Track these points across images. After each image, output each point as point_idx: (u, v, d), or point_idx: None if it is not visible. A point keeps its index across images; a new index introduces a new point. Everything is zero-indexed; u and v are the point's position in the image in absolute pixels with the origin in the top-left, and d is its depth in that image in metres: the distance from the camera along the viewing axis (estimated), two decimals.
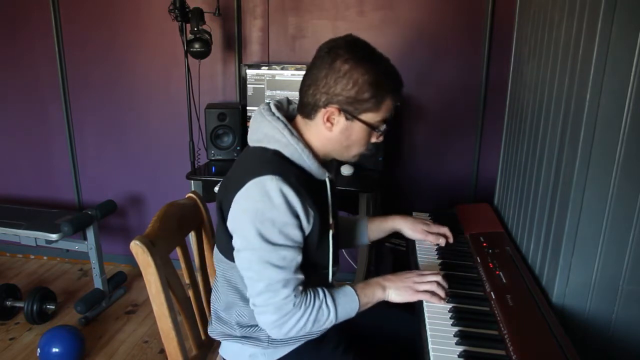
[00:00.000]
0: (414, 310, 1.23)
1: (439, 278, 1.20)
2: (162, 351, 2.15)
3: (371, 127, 1.09)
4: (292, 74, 2.30)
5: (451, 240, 1.45)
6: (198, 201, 1.41)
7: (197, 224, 1.40)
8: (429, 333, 1.08)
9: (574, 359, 0.98)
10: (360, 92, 1.04)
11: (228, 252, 1.12)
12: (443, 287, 1.19)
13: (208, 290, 1.43)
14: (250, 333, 1.17)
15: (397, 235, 1.48)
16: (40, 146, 2.86)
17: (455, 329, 1.09)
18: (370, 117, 1.08)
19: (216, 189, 2.07)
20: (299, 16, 2.43)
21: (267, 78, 2.33)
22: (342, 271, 1.19)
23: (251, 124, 1.16)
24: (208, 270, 1.45)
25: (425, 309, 1.17)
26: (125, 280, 2.67)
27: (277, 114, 1.11)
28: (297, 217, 1.03)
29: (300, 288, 1.06)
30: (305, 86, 1.09)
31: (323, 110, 1.07)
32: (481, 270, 1.35)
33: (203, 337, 1.35)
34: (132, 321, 2.40)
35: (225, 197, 1.08)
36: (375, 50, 1.08)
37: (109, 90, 2.69)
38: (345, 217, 1.45)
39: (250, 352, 1.19)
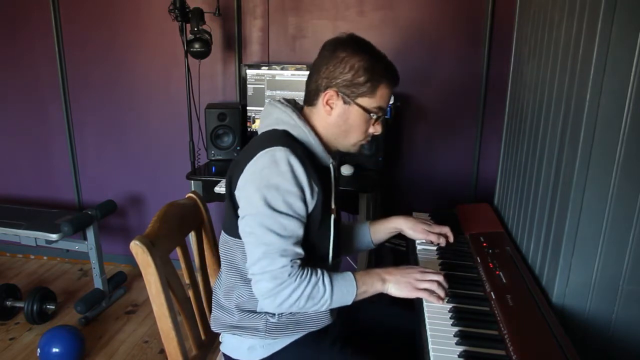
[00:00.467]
0: (413, 307, 1.23)
1: (440, 278, 1.20)
2: (162, 351, 2.15)
3: (367, 112, 1.16)
4: (292, 74, 2.30)
5: (452, 240, 1.45)
6: (198, 201, 1.41)
7: (197, 224, 1.40)
8: (429, 333, 1.08)
9: (574, 359, 0.97)
10: (357, 76, 1.13)
11: (232, 228, 1.15)
12: (443, 288, 1.19)
13: (208, 290, 1.43)
14: (248, 320, 1.17)
15: (397, 235, 1.48)
16: (40, 146, 2.86)
17: (455, 329, 1.09)
18: (366, 101, 1.15)
19: (216, 189, 2.07)
20: (299, 16, 2.43)
21: (267, 78, 2.33)
22: (342, 271, 1.19)
23: (262, 114, 1.24)
24: (208, 270, 1.45)
25: (425, 308, 1.17)
26: (125, 280, 2.67)
27: (286, 103, 1.21)
28: (301, 189, 1.08)
29: (298, 262, 1.08)
30: (309, 76, 1.20)
31: (323, 94, 1.16)
32: (481, 270, 1.35)
33: (203, 337, 1.35)
34: (132, 321, 2.40)
35: (235, 172, 1.14)
36: (374, 47, 1.17)
37: (109, 90, 2.69)
38: (346, 223, 1.46)
39: (248, 345, 1.20)
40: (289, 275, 1.06)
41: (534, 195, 1.42)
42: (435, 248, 1.49)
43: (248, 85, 2.34)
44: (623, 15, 0.99)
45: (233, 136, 2.36)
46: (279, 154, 1.07)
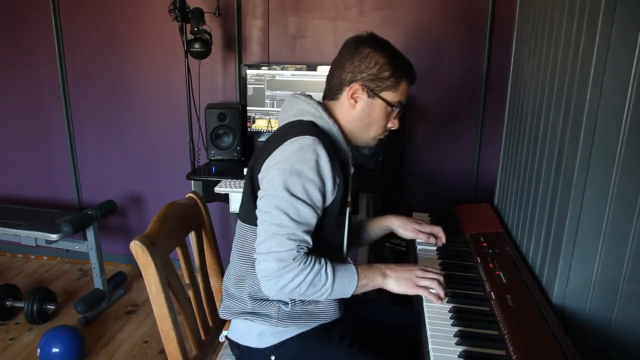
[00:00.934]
0: (413, 306, 1.23)
1: (440, 277, 1.20)
2: (162, 351, 2.15)
3: (390, 105, 1.21)
4: (292, 74, 2.30)
5: (443, 241, 1.46)
6: (198, 201, 1.41)
7: (197, 224, 1.40)
8: (429, 333, 1.08)
9: (574, 359, 0.97)
10: (382, 71, 1.18)
11: (249, 215, 1.18)
12: (443, 288, 1.19)
13: (208, 290, 1.43)
14: (260, 308, 1.19)
15: (395, 235, 1.48)
16: (40, 146, 2.86)
17: (455, 329, 1.09)
18: (389, 95, 1.20)
19: (216, 189, 2.07)
20: (299, 16, 2.43)
21: (267, 78, 2.33)
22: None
23: (284, 105, 1.26)
24: (208, 270, 1.45)
25: (425, 308, 1.17)
26: (125, 280, 2.67)
27: (309, 96, 1.24)
28: (322, 180, 1.10)
29: (305, 250, 1.09)
30: (331, 72, 1.24)
31: (347, 88, 1.20)
32: (481, 270, 1.35)
33: (203, 337, 1.35)
34: (132, 321, 2.40)
35: (260, 158, 1.15)
36: (393, 45, 1.23)
37: (109, 90, 2.69)
38: None
39: (259, 331, 1.21)
40: (294, 259, 1.07)
41: (534, 195, 1.42)
42: (435, 248, 1.49)
43: (248, 85, 2.34)
44: (623, 15, 0.99)
45: (233, 136, 2.36)
46: (307, 142, 1.09)
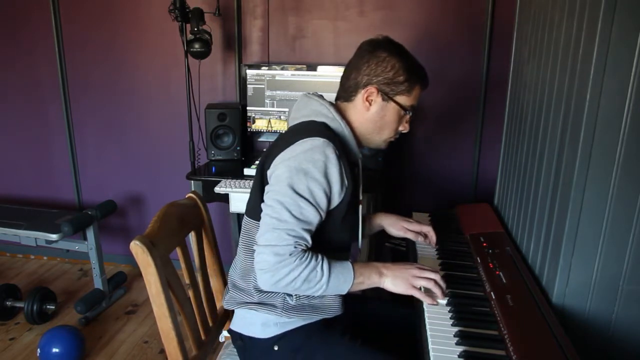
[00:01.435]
0: (413, 305, 1.23)
1: (437, 277, 1.20)
2: (162, 351, 2.15)
3: (404, 109, 1.24)
4: (292, 74, 2.30)
5: (433, 240, 1.47)
6: (198, 201, 1.41)
7: (197, 224, 1.40)
8: (429, 333, 1.08)
9: (574, 359, 0.97)
10: (397, 75, 1.20)
11: (255, 211, 1.19)
12: (440, 287, 1.20)
13: (208, 290, 1.43)
14: (266, 298, 1.20)
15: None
16: (40, 146, 2.86)
17: (455, 329, 1.09)
18: (403, 99, 1.23)
19: (216, 189, 2.07)
20: (299, 16, 2.43)
21: (267, 78, 2.33)
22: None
23: (297, 105, 1.28)
24: (208, 270, 1.45)
25: (425, 308, 1.17)
26: (125, 280, 2.67)
27: (322, 97, 1.26)
28: (328, 182, 1.12)
29: (302, 247, 1.10)
30: (346, 73, 1.25)
31: (363, 91, 1.22)
32: (481, 270, 1.35)
33: (203, 337, 1.35)
34: (132, 321, 2.40)
35: (271, 155, 1.17)
36: (407, 50, 1.26)
37: (109, 90, 2.69)
38: None
39: (263, 320, 1.22)
40: (290, 254, 1.08)
41: (534, 195, 1.42)
42: (435, 248, 1.49)
43: (248, 85, 2.34)
44: (623, 15, 0.99)
45: (233, 136, 2.36)
46: (318, 143, 1.11)
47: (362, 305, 1.39)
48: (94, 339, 2.25)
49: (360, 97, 1.22)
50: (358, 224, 1.29)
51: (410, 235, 1.46)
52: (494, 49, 2.30)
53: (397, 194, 2.57)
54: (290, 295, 1.20)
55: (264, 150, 1.26)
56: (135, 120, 2.72)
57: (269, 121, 2.37)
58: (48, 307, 2.34)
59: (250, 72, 2.33)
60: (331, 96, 1.30)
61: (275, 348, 1.22)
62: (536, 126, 1.45)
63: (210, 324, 1.40)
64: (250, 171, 2.13)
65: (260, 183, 1.20)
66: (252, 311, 1.23)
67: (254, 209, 1.21)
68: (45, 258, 3.03)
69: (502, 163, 1.91)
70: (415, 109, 1.27)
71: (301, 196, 1.09)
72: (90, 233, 2.41)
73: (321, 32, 2.43)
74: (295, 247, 1.08)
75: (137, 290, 2.69)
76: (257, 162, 2.16)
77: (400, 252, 1.56)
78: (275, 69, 2.31)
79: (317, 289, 1.12)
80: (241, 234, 1.28)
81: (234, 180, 2.10)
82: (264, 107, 2.36)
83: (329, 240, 1.19)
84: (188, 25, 2.20)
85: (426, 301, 1.18)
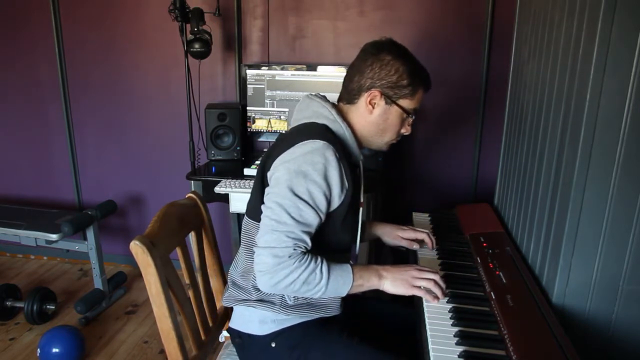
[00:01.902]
0: (413, 306, 1.23)
1: (436, 277, 1.20)
2: (162, 351, 2.15)
3: (406, 113, 1.24)
4: (292, 74, 2.30)
5: (430, 246, 1.47)
6: (198, 201, 1.41)
7: (197, 224, 1.40)
8: (429, 333, 1.08)
9: (574, 359, 0.97)
10: (401, 79, 1.20)
11: (256, 212, 1.19)
12: (440, 287, 1.20)
13: (208, 290, 1.43)
14: (265, 296, 1.21)
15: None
16: (40, 146, 2.86)
17: (455, 329, 1.09)
18: (406, 103, 1.23)
19: (216, 189, 2.07)
20: (299, 16, 2.43)
21: (267, 78, 2.33)
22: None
23: (299, 106, 1.28)
24: (208, 270, 1.45)
25: (425, 309, 1.17)
26: (125, 280, 2.67)
27: (324, 99, 1.26)
28: (328, 185, 1.12)
29: (302, 249, 1.11)
30: (349, 75, 1.24)
31: (366, 94, 1.21)
32: (481, 270, 1.35)
33: (203, 337, 1.35)
34: (132, 321, 2.40)
35: (271, 156, 1.17)
36: (411, 52, 1.25)
37: (109, 90, 2.69)
38: None
39: (261, 317, 1.23)
40: (289, 256, 1.08)
41: (534, 195, 1.42)
42: (435, 248, 1.49)
43: (248, 85, 2.34)
44: (623, 15, 0.99)
45: (233, 136, 2.36)
46: (318, 146, 1.11)
47: (361, 305, 1.39)
48: (94, 339, 2.25)
49: (363, 100, 1.22)
50: (358, 226, 1.29)
51: (404, 243, 1.46)
52: (494, 49, 2.30)
53: (397, 194, 2.57)
54: (288, 296, 1.20)
55: (265, 150, 1.26)
56: (135, 120, 2.71)
57: (269, 121, 2.37)
58: (48, 307, 2.34)
59: (250, 72, 2.33)
60: (332, 96, 1.30)
61: (273, 345, 1.22)
62: (536, 126, 1.45)
63: (210, 324, 1.40)
64: (250, 171, 2.13)
65: (260, 184, 1.20)
66: (251, 308, 1.23)
67: (255, 209, 1.21)
68: (45, 258, 3.03)
69: (502, 163, 1.91)
70: (417, 112, 1.27)
71: (300, 198, 1.09)
72: (90, 233, 2.41)
73: (321, 32, 2.43)
74: (294, 250, 1.09)
75: (137, 290, 2.69)
76: (257, 162, 2.17)
77: (401, 253, 1.56)
78: (275, 69, 2.31)
79: (316, 291, 1.12)
80: (242, 234, 1.29)
81: (234, 180, 2.10)
82: (264, 107, 2.36)
83: (329, 241, 1.19)
84: (188, 25, 2.20)
85: (429, 299, 1.18)
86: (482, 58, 2.32)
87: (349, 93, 1.24)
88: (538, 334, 1.07)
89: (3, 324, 2.35)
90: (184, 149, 2.43)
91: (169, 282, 1.18)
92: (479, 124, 2.41)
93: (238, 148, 2.37)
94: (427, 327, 1.10)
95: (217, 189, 2.08)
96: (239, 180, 2.10)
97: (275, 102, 2.35)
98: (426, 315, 1.14)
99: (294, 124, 1.27)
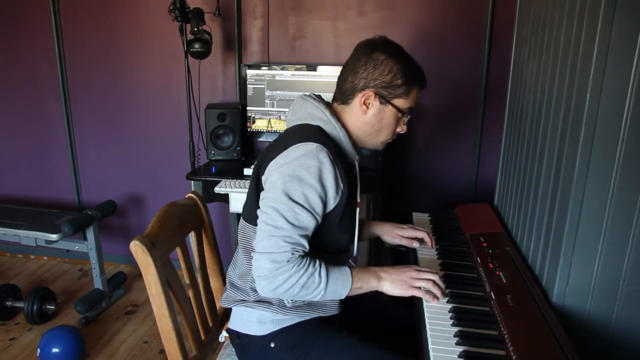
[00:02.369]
0: (413, 305, 1.23)
1: (436, 277, 1.20)
2: (162, 351, 2.15)
3: (401, 112, 1.22)
4: (292, 74, 2.30)
5: (429, 245, 1.47)
6: (198, 201, 1.41)
7: (197, 224, 1.40)
8: (429, 333, 1.08)
9: (574, 359, 0.97)
10: (395, 79, 1.18)
11: (252, 215, 1.19)
12: (439, 287, 1.20)
13: (208, 290, 1.43)
14: (263, 297, 1.20)
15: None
16: (40, 146, 2.86)
17: (455, 329, 1.09)
18: (401, 102, 1.21)
19: (216, 189, 2.07)
20: (299, 16, 2.43)
21: (267, 78, 2.33)
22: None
23: (293, 107, 1.27)
24: (208, 270, 1.45)
25: (425, 309, 1.17)
26: (125, 280, 2.67)
27: (318, 99, 1.25)
28: (323, 187, 1.11)
29: (300, 253, 1.10)
30: (343, 75, 1.23)
31: (360, 94, 1.20)
32: (481, 270, 1.35)
33: (203, 337, 1.35)
34: (132, 321, 2.40)
35: (265, 160, 1.17)
36: (405, 51, 1.23)
37: (109, 90, 2.69)
38: None
39: (259, 318, 1.23)
40: (287, 261, 1.08)
41: (534, 195, 1.42)
42: (435, 249, 1.49)
43: (248, 86, 2.34)
44: (623, 15, 0.99)
45: (233, 136, 2.36)
46: (311, 149, 1.10)
47: (361, 305, 1.39)
48: (94, 339, 2.25)
49: (357, 100, 1.20)
50: (355, 226, 1.28)
51: (404, 242, 1.46)
52: (494, 49, 2.30)
53: (397, 194, 2.57)
54: None
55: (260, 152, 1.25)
56: (135, 120, 2.71)
57: (269, 121, 2.37)
58: (48, 307, 2.34)
59: (250, 72, 2.33)
60: (331, 96, 1.30)
61: (272, 345, 1.22)
62: (536, 126, 1.45)
63: (210, 324, 1.41)
64: (250, 171, 2.12)
65: (255, 187, 1.20)
66: (249, 309, 1.23)
67: (250, 212, 1.21)
68: (45, 258, 3.03)
69: (502, 163, 1.91)
70: (413, 111, 1.25)
71: (296, 202, 1.09)
72: (90, 233, 2.41)
73: (321, 32, 2.43)
74: (292, 254, 1.09)
75: (137, 290, 2.69)
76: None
77: (400, 253, 1.56)
78: (275, 69, 2.31)
79: (315, 295, 1.12)
80: (239, 236, 1.28)
81: (234, 180, 2.10)
82: (264, 107, 2.36)
83: (326, 242, 1.19)
84: (188, 25, 2.20)
85: (429, 300, 1.18)
86: (482, 58, 2.32)
87: (343, 93, 1.23)
88: (538, 334, 1.07)
89: (3, 324, 2.35)
90: (184, 149, 2.43)
91: (169, 282, 1.18)
92: (479, 124, 2.41)
93: (238, 148, 2.37)
94: (427, 327, 1.10)
95: (217, 189, 2.08)
96: (239, 180, 2.10)
97: (275, 102, 2.35)
98: (426, 315, 1.14)
99: (287, 125, 1.27)
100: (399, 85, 1.19)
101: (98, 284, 2.48)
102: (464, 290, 1.25)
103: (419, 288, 1.18)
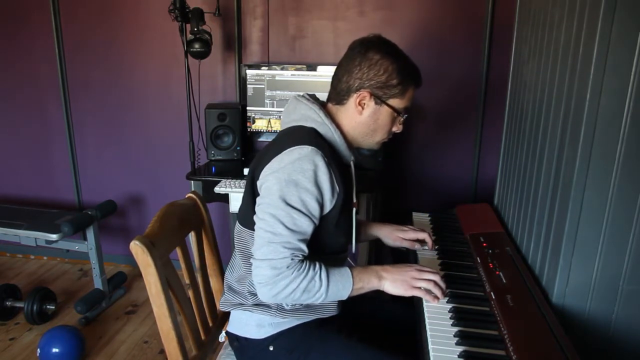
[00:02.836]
0: (413, 305, 1.23)
1: (437, 277, 1.20)
2: (162, 351, 2.15)
3: (397, 112, 1.21)
4: (292, 74, 2.30)
5: (429, 246, 1.46)
6: (198, 201, 1.41)
7: (197, 224, 1.40)
8: (429, 333, 1.08)
9: (574, 359, 0.97)
10: (390, 79, 1.17)
11: (248, 219, 1.18)
12: (440, 287, 1.19)
13: (208, 290, 1.43)
14: (261, 301, 1.20)
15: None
16: (40, 146, 2.86)
17: (455, 329, 1.09)
18: (396, 102, 1.20)
19: (216, 189, 2.07)
20: (299, 16, 2.43)
21: (267, 78, 2.33)
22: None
23: (287, 108, 1.26)
24: (208, 270, 1.45)
25: (425, 309, 1.17)
26: (125, 280, 2.67)
27: (312, 100, 1.24)
28: (319, 190, 1.10)
29: (299, 258, 1.10)
30: (338, 75, 1.21)
31: (355, 95, 1.18)
32: (481, 270, 1.35)
33: (203, 337, 1.35)
34: (132, 321, 2.40)
35: (260, 164, 1.16)
36: (400, 49, 1.21)
37: (109, 90, 2.69)
38: None
39: (257, 321, 1.22)
40: (287, 267, 1.08)
41: (534, 195, 1.42)
42: (435, 248, 1.49)
43: (248, 86, 2.34)
44: (623, 15, 0.99)
45: (233, 136, 2.36)
46: (305, 152, 1.09)
47: (360, 305, 1.39)
48: (94, 339, 2.25)
49: (352, 101, 1.19)
50: (352, 227, 1.27)
51: (406, 244, 1.46)
52: (494, 49, 2.30)
53: (397, 194, 2.57)
54: None
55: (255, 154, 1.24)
56: (135, 120, 2.71)
57: (269, 121, 2.37)
58: (48, 307, 2.34)
59: (250, 72, 2.33)
60: None
61: (271, 348, 1.22)
62: (536, 126, 1.45)
63: (210, 324, 1.41)
64: None
65: (251, 191, 1.19)
66: (247, 312, 1.23)
67: (246, 216, 1.20)
68: (45, 258, 3.03)
69: (502, 163, 1.91)
70: (409, 110, 1.24)
71: (294, 208, 1.08)
72: (90, 233, 2.41)
73: (321, 32, 2.43)
74: (292, 259, 1.08)
75: (137, 290, 2.69)
76: None
77: (401, 253, 1.56)
78: (275, 69, 2.31)
79: (316, 298, 1.12)
80: (235, 240, 1.27)
81: (234, 180, 2.11)
82: (263, 107, 2.36)
83: (324, 244, 1.18)
84: (188, 25, 2.20)
85: (429, 300, 1.18)
86: (482, 58, 2.32)
87: (338, 94, 1.21)
88: (538, 334, 1.07)
89: (3, 324, 2.35)
90: (184, 149, 2.43)
91: (169, 282, 1.18)
92: (479, 123, 2.41)
93: (238, 148, 2.38)
94: (427, 327, 1.10)
95: (217, 189, 2.08)
96: (239, 180, 2.10)
97: (275, 102, 2.35)
98: (426, 315, 1.14)
99: (282, 126, 1.25)
100: (395, 85, 1.17)
101: (98, 284, 2.48)
102: (464, 290, 1.25)
103: (420, 288, 1.18)
